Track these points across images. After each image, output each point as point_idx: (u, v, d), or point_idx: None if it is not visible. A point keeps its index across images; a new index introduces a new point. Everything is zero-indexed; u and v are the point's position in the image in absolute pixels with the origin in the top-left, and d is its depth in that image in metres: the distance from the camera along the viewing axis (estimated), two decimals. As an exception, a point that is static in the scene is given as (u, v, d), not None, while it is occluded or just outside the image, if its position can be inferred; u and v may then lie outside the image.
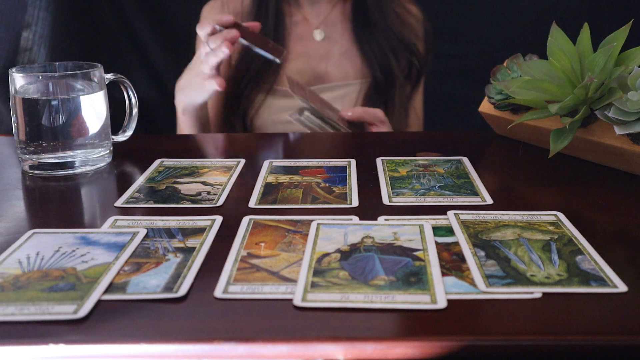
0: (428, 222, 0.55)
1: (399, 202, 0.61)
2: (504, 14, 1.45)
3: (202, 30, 0.90)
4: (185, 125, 1.03)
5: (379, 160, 0.73)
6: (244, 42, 0.92)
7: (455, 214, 0.57)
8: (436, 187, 0.65)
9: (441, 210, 0.58)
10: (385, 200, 0.62)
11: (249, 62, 1.08)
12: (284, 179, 0.68)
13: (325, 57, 1.12)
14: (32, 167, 0.70)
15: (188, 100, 0.99)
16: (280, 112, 1.07)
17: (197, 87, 0.94)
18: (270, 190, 0.64)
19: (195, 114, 1.02)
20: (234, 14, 1.12)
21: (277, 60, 0.96)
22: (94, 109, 0.71)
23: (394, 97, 1.11)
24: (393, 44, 1.11)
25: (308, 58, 1.12)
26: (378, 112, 0.97)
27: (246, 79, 1.08)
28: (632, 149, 0.66)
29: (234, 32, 0.88)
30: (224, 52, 0.87)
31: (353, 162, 0.73)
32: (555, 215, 0.57)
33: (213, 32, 0.90)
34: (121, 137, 0.77)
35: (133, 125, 0.78)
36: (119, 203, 0.62)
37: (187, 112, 1.01)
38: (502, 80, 0.78)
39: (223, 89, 0.91)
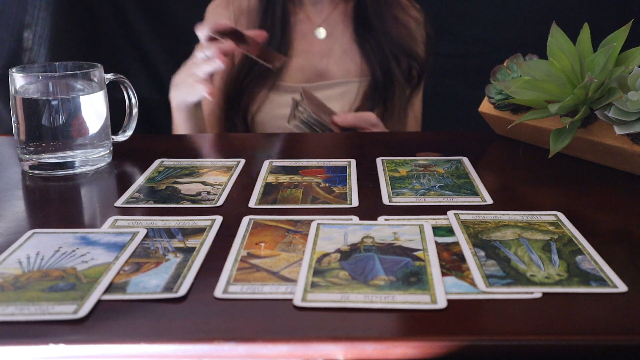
0: (428, 222, 0.55)
1: (399, 202, 0.61)
2: (504, 14, 1.45)
3: (200, 33, 0.89)
4: (179, 120, 1.02)
5: (379, 160, 0.73)
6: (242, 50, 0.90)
7: (455, 214, 0.57)
8: (436, 187, 0.65)
9: (441, 210, 0.58)
10: (385, 200, 0.62)
11: (253, 60, 1.08)
12: (284, 179, 0.68)
13: (326, 55, 1.12)
14: (32, 167, 0.70)
15: (180, 97, 0.97)
16: (281, 108, 1.08)
17: (189, 88, 0.93)
18: (270, 190, 0.64)
19: (188, 111, 1.00)
20: (239, 12, 1.13)
21: (270, 67, 0.94)
22: (94, 109, 0.71)
23: (393, 97, 1.11)
24: (393, 48, 1.11)
25: (310, 55, 1.12)
26: (371, 117, 0.95)
27: (250, 76, 1.08)
28: (632, 149, 0.66)
29: (229, 44, 0.87)
30: (218, 64, 0.86)
31: (353, 162, 0.73)
32: (555, 215, 0.57)
33: (211, 38, 0.89)
34: (121, 137, 0.77)
35: (133, 125, 0.78)
36: (119, 203, 0.61)
37: (180, 108, 1.00)
38: (502, 80, 0.78)
39: (213, 97, 0.90)
